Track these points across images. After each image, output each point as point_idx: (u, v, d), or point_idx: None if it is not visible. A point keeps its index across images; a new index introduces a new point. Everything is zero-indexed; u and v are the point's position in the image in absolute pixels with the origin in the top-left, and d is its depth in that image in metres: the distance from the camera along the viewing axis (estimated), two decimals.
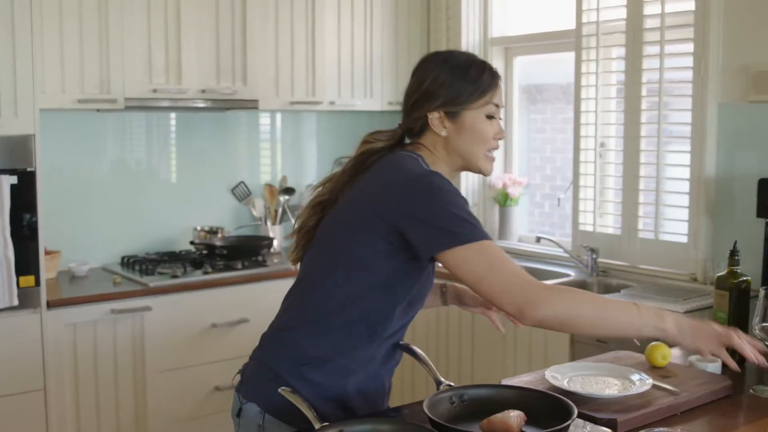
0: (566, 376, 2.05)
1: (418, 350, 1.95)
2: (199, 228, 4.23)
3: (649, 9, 3.60)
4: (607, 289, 3.67)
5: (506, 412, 1.68)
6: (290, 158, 4.68)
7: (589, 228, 3.92)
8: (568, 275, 3.86)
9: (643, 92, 3.66)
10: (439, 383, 1.87)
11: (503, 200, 4.42)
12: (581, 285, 3.72)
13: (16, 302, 3.21)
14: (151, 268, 3.81)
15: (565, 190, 4.12)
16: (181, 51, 3.83)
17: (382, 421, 1.65)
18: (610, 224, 3.92)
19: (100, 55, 3.61)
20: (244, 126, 4.50)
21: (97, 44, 3.60)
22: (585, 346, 3.29)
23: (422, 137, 1.95)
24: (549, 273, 3.93)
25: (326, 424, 1.60)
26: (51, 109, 3.57)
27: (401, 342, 1.97)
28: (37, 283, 3.32)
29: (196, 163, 4.31)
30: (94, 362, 3.47)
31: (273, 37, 4.11)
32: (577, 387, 1.97)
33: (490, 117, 1.92)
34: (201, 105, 3.92)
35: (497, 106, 1.93)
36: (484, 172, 1.98)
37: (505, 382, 2.06)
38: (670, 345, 1.92)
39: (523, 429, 1.66)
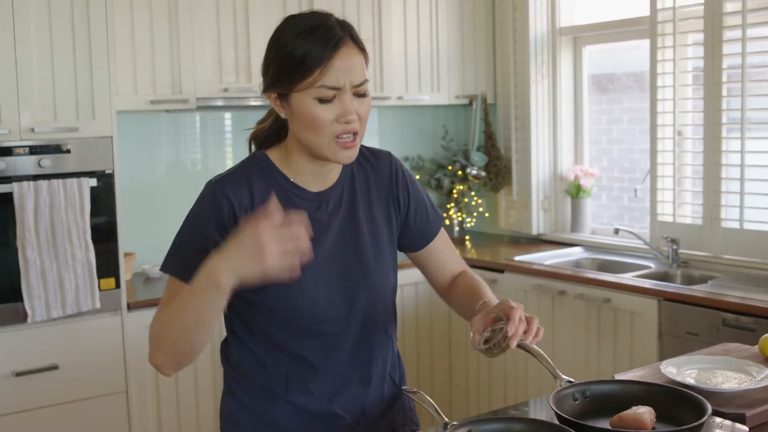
0: (682, 369, 1.98)
1: (535, 347, 1.87)
2: None
3: None
4: (691, 280, 3.58)
5: (635, 408, 1.63)
6: None
7: (668, 218, 3.83)
8: (648, 267, 3.77)
9: (724, 78, 3.57)
10: (557, 378, 1.81)
11: (575, 192, 4.35)
12: (662, 277, 3.64)
13: (98, 305, 3.22)
14: None
15: (642, 180, 4.04)
16: (251, 50, 3.82)
17: (513, 419, 1.60)
18: (689, 214, 3.83)
19: (171, 55, 3.61)
20: None
21: (168, 44, 3.60)
22: (674, 339, 3.21)
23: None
24: (628, 265, 3.85)
25: (455, 423, 1.56)
26: (123, 111, 3.57)
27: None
28: (117, 285, 3.32)
29: None
30: None
31: None
32: (694, 380, 1.90)
33: (323, 100, 1.57)
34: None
35: (334, 88, 1.56)
36: (335, 162, 1.65)
37: (618, 377, 1.99)
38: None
39: (655, 426, 1.60)
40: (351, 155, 1.63)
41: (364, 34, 4.11)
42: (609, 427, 1.59)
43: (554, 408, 1.63)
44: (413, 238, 1.87)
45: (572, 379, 1.79)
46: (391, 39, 4.25)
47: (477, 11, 4.57)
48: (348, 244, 1.73)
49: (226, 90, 3.75)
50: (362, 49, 1.63)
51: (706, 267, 3.65)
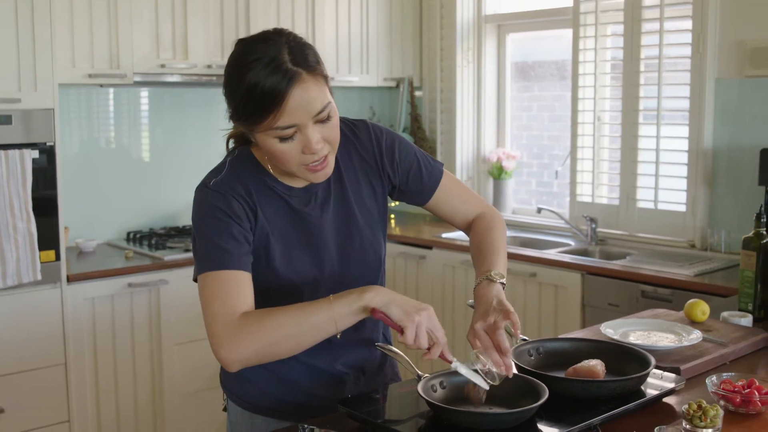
0: (619, 330, 2.17)
1: None
2: None
3: None
4: (609, 256, 3.82)
5: (587, 360, 1.79)
6: None
7: (587, 199, 4.06)
8: (568, 245, 4.00)
9: (642, 68, 3.81)
10: (513, 338, 1.96)
11: (497, 173, 4.54)
12: (582, 253, 3.86)
13: (39, 277, 3.23)
14: (161, 242, 3.85)
15: (562, 162, 4.26)
16: (188, 26, 3.86)
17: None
18: (606, 194, 4.07)
19: (109, 29, 3.62)
20: None
21: (106, 18, 3.61)
22: (596, 310, 3.43)
23: None
24: (549, 243, 4.07)
25: (427, 375, 1.69)
26: (61, 84, 3.57)
27: (471, 302, 2.03)
28: (58, 257, 3.33)
29: (197, 139, 4.34)
30: (113, 336, 3.51)
31: (275, 14, 4.15)
32: (632, 339, 2.09)
33: (283, 139, 1.55)
34: (207, 80, 3.94)
35: (290, 126, 1.53)
36: (309, 182, 1.67)
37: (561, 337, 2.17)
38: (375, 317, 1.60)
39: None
40: (324, 174, 1.64)
41: (298, 15, 4.20)
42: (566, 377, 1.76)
43: (516, 362, 1.78)
44: (415, 194, 1.91)
45: (526, 338, 1.96)
46: (324, 22, 4.35)
47: None
48: (343, 230, 1.77)
49: (163, 66, 3.78)
50: (320, 74, 1.57)
51: (622, 244, 3.90)
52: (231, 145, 1.78)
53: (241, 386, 1.83)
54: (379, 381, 1.91)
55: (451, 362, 1.64)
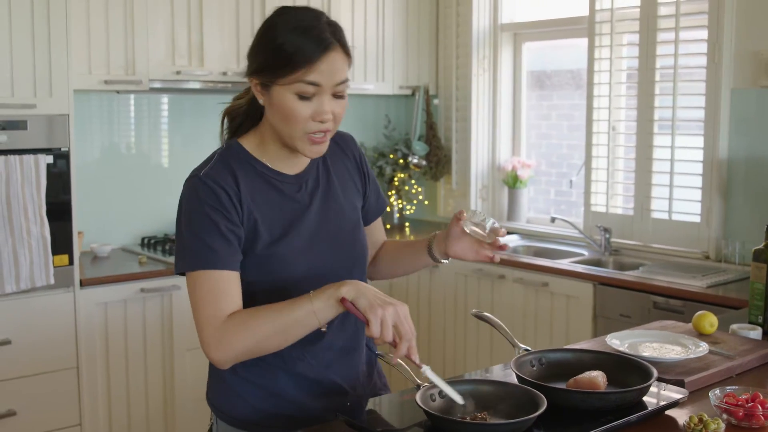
0: (626, 341, 2.15)
1: (494, 318, 2.03)
2: None
3: None
4: (622, 267, 3.79)
5: (589, 372, 1.79)
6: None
7: (602, 209, 4.05)
8: (581, 254, 3.98)
9: (657, 77, 3.79)
10: (516, 347, 1.96)
11: (512, 182, 4.53)
12: (595, 264, 3.85)
13: (52, 281, 3.25)
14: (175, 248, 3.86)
15: (577, 172, 4.24)
16: (203, 33, 3.88)
17: (479, 381, 1.74)
18: (621, 204, 4.05)
19: (125, 36, 3.65)
20: None
21: (123, 25, 3.64)
22: (608, 320, 3.41)
23: None
24: (562, 253, 4.05)
25: (426, 384, 1.69)
26: (78, 90, 3.60)
27: (476, 311, 2.05)
28: (71, 262, 3.36)
29: (211, 145, 4.33)
30: (125, 341, 3.53)
31: None
32: (639, 351, 2.07)
33: (303, 96, 1.64)
34: (222, 87, 3.97)
35: (315, 85, 1.63)
36: (304, 154, 1.72)
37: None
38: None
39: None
40: (320, 150, 1.71)
41: None
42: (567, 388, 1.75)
43: (517, 372, 1.78)
44: (366, 214, 1.98)
45: (529, 348, 1.95)
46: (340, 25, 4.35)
47: (422, 5, 4.72)
48: (331, 219, 1.82)
49: (178, 73, 3.81)
50: (348, 54, 1.69)
51: (636, 255, 3.87)
52: (226, 124, 1.84)
53: (231, 403, 1.81)
54: (369, 391, 1.91)
55: (420, 367, 1.64)
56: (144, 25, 3.69)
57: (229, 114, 1.83)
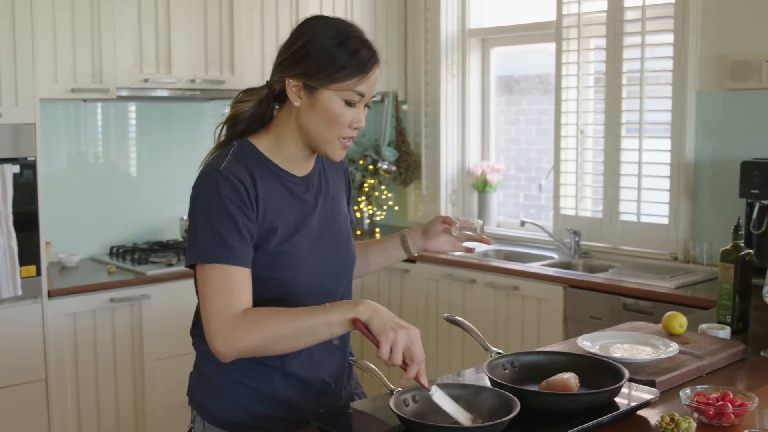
0: (597, 343, 2.17)
1: (466, 322, 2.03)
2: (185, 218, 4.25)
3: (630, 1, 3.77)
4: (592, 269, 3.82)
5: (561, 374, 1.79)
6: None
7: (571, 212, 4.07)
8: (551, 257, 4.00)
9: (624, 81, 3.82)
10: (488, 351, 1.96)
11: (482, 187, 4.55)
12: (565, 266, 3.87)
13: (20, 292, 3.21)
14: (144, 257, 3.84)
15: (546, 175, 4.27)
16: (171, 41, 3.86)
17: (453, 386, 1.73)
18: (590, 207, 4.08)
19: (92, 44, 3.62)
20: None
21: (89, 33, 3.61)
22: (578, 323, 3.43)
23: (283, 104, 1.82)
24: (532, 256, 4.07)
25: (400, 389, 1.68)
26: (43, 99, 3.56)
27: (448, 315, 2.06)
28: (38, 273, 3.32)
29: (183, 153, 4.34)
30: (94, 351, 3.49)
31: (259, 27, 4.16)
32: (610, 353, 2.09)
33: (349, 103, 1.74)
34: (190, 95, 3.95)
35: (361, 95, 1.74)
36: (331, 158, 1.82)
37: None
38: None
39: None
40: (343, 155, 1.83)
41: (282, 30, 4.22)
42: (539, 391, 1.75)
43: (489, 375, 1.78)
44: None
45: (501, 351, 1.96)
46: None
47: (390, 11, 4.72)
48: (330, 220, 1.89)
49: (146, 80, 3.78)
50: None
51: (605, 257, 3.90)
52: (224, 130, 1.86)
53: (220, 405, 1.82)
54: (348, 393, 1.94)
55: (429, 389, 1.65)
56: (111, 33, 3.66)
57: (233, 119, 1.85)
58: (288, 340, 1.66)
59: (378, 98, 4.76)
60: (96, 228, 4.08)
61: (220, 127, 1.86)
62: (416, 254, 2.11)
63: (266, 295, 1.73)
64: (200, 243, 1.69)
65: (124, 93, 3.74)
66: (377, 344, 1.61)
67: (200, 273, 1.68)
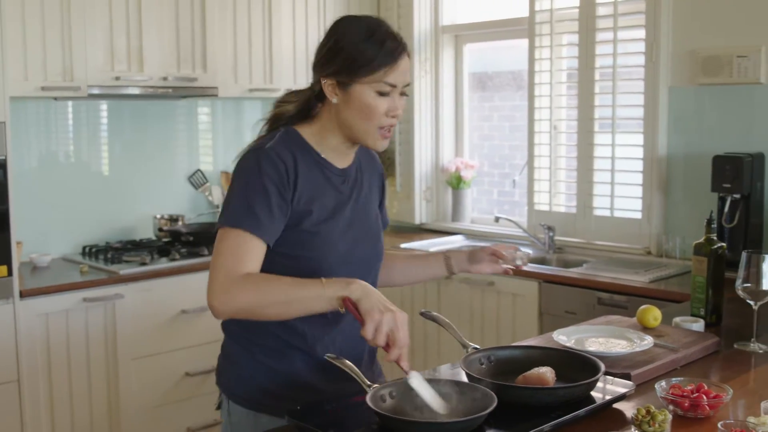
0: (572, 337, 2.18)
1: (442, 317, 2.03)
2: (159, 216, 4.22)
3: None
4: (566, 264, 3.84)
5: (537, 368, 1.80)
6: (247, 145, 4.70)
7: (545, 207, 4.09)
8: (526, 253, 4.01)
9: (597, 77, 3.84)
10: (465, 346, 1.97)
11: (456, 183, 4.55)
12: (540, 261, 3.88)
13: None
14: (117, 256, 3.80)
15: (519, 171, 4.28)
16: (143, 38, 3.83)
17: (431, 381, 1.73)
18: (563, 203, 4.10)
19: (62, 41, 3.58)
20: (202, 114, 4.51)
21: (59, 30, 3.57)
22: (553, 317, 3.45)
23: (325, 102, 1.90)
24: None
25: (377, 385, 1.68)
26: (13, 97, 3.51)
27: (424, 310, 2.06)
28: (10, 273, 3.28)
29: (155, 151, 4.30)
30: (67, 351, 3.45)
31: (231, 25, 4.14)
32: (584, 346, 2.10)
33: (382, 94, 1.83)
34: (163, 92, 3.91)
35: (392, 85, 1.83)
36: (373, 148, 1.92)
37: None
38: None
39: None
40: (386, 144, 1.91)
41: (255, 26, 4.19)
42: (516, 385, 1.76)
43: (466, 370, 1.78)
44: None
45: (478, 346, 1.96)
46: (281, 33, 4.33)
47: (363, 7, 4.71)
48: (362, 214, 1.98)
49: (117, 78, 3.75)
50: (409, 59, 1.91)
51: (580, 252, 3.92)
52: (264, 131, 1.97)
53: (244, 385, 1.90)
54: (370, 379, 1.95)
55: (407, 373, 1.67)
56: (82, 30, 3.62)
57: (275, 118, 1.96)
58: (280, 306, 1.73)
59: None
60: (68, 227, 4.04)
61: (263, 125, 1.97)
62: (457, 273, 2.21)
63: (293, 274, 1.79)
64: (230, 210, 1.79)
65: (96, 91, 3.70)
66: (363, 324, 1.67)
67: (220, 234, 1.78)
